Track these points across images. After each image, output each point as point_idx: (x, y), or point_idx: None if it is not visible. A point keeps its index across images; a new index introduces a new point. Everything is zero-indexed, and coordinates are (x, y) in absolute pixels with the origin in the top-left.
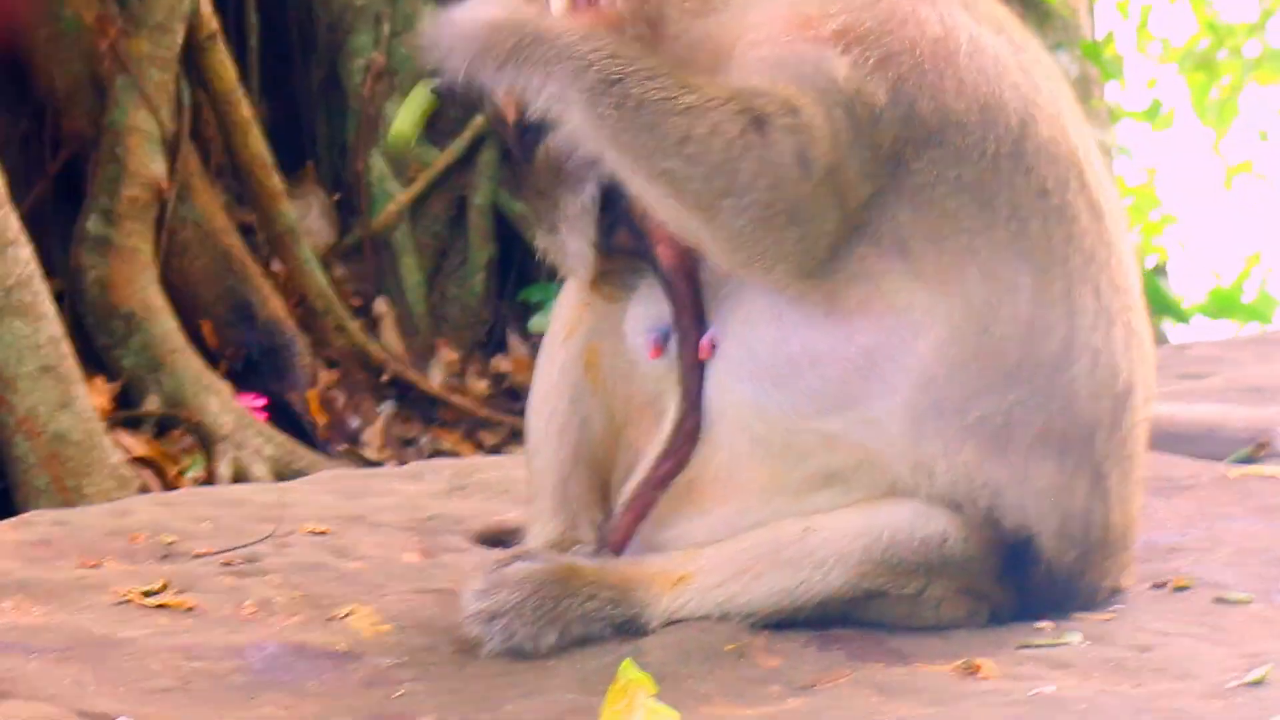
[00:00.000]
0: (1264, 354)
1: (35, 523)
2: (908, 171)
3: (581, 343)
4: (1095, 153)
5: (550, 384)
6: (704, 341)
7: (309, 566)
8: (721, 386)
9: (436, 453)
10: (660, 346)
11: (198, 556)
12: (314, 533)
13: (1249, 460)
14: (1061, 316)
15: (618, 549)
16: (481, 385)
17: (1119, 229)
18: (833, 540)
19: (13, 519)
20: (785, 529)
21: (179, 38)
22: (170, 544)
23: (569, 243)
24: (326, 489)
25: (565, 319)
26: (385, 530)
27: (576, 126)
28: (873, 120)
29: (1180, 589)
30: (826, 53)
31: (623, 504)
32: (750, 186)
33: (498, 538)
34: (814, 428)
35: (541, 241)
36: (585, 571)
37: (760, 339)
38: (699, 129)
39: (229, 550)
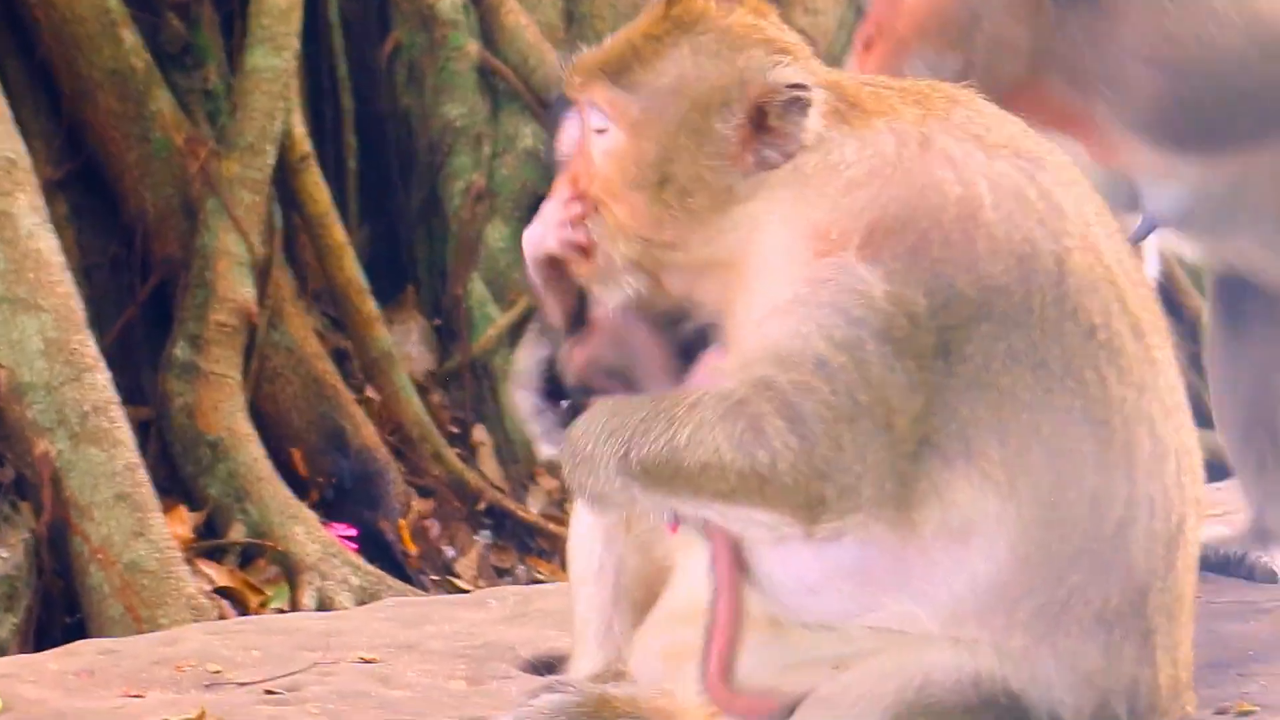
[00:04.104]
0: None
1: (81, 652)
2: (961, 359)
3: None
4: (1124, 252)
5: (585, 524)
6: None
7: (351, 694)
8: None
9: (533, 582)
10: (676, 524)
11: (241, 685)
12: (362, 660)
13: None
14: (1122, 476)
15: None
16: None
17: (1158, 333)
18: (865, 680)
19: (58, 648)
20: (821, 669)
21: (270, 159)
22: (216, 673)
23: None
24: (384, 616)
25: None
26: (436, 658)
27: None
28: (914, 327)
29: (1244, 714)
30: (854, 270)
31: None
32: (771, 476)
33: (548, 665)
34: (850, 625)
35: None
36: (617, 702)
37: (788, 561)
38: (704, 455)
39: (272, 679)
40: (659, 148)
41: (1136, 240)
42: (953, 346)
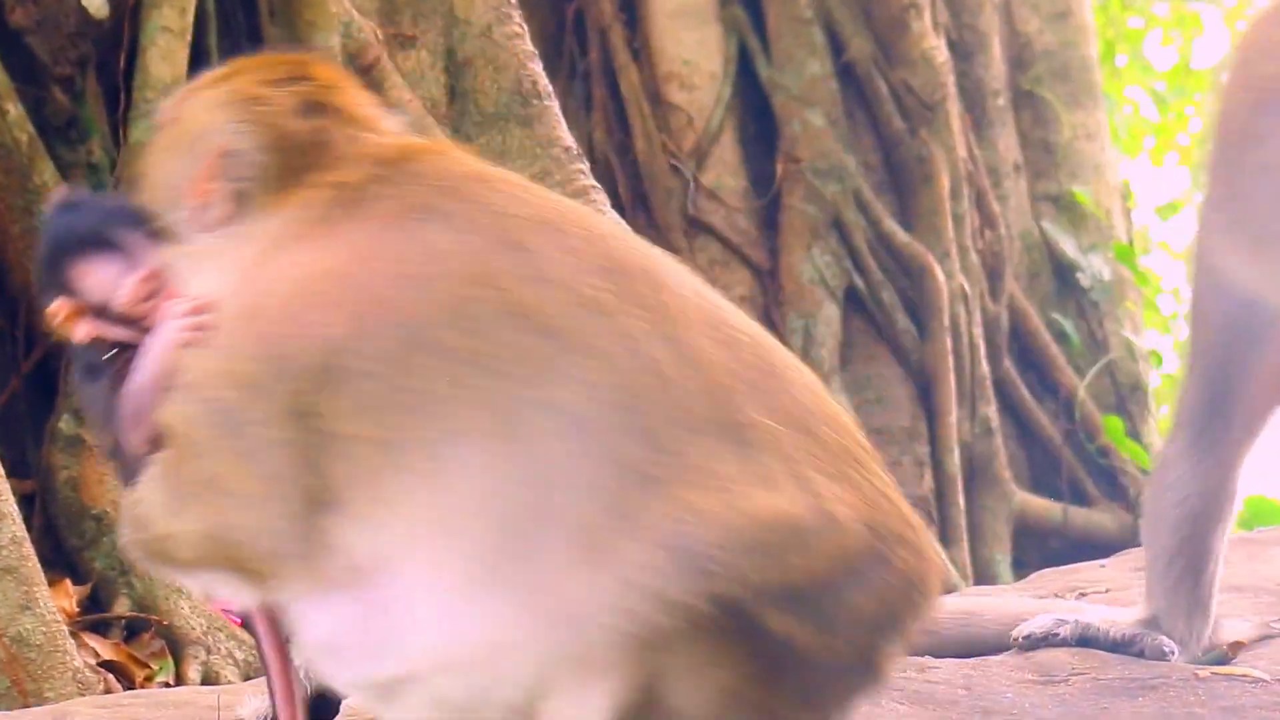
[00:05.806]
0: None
1: None
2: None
3: None
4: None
5: None
6: None
7: None
8: None
9: None
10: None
11: None
12: None
13: (1220, 660)
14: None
15: None
16: None
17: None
18: None
19: None
20: None
21: None
22: None
23: None
24: None
25: None
26: None
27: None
28: (254, 395)
29: None
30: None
31: None
32: (220, 534)
33: None
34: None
35: None
36: None
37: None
38: (161, 528)
39: None
40: (155, 150)
41: None
42: (306, 408)
